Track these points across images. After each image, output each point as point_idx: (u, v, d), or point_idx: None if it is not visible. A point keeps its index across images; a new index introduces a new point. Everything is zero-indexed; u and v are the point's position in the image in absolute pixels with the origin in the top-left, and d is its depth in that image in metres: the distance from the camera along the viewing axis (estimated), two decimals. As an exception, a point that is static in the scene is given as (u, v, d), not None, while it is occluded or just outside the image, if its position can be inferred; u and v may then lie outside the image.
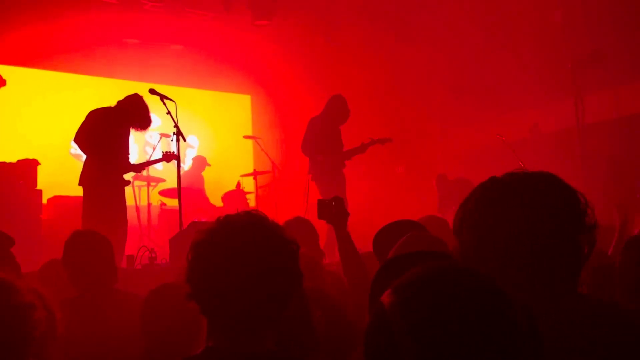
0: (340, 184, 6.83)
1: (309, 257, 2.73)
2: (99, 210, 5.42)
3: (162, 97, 5.65)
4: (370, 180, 8.93)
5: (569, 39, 8.22)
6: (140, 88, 6.06)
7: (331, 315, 2.15)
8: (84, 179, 5.61)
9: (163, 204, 8.27)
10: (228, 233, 1.55)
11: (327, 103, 7.04)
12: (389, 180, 9.59)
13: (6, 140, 8.18)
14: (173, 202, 7.89)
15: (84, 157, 5.70)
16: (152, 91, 5.68)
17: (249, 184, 8.91)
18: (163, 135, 7.97)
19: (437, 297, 0.92)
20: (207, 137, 10.14)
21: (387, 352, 0.93)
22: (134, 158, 8.23)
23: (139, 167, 6.20)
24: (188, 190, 7.78)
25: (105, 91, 8.04)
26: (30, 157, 6.59)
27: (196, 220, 6.09)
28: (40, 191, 6.52)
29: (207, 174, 9.13)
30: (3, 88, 6.74)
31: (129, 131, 5.90)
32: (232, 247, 1.53)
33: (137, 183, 7.88)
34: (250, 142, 9.81)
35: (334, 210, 3.09)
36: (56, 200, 7.01)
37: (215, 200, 8.77)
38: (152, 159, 6.43)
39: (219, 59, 9.84)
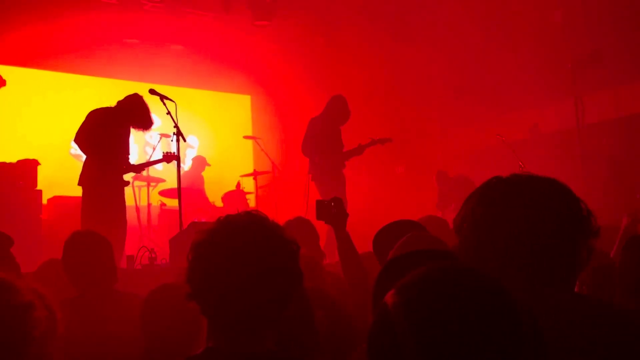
0: (340, 184, 6.82)
1: (309, 257, 2.74)
2: (98, 211, 5.41)
3: (162, 98, 5.65)
4: (370, 180, 8.93)
5: (569, 39, 8.21)
6: (140, 88, 6.05)
7: (331, 315, 2.16)
8: (84, 179, 5.60)
9: (163, 204, 8.27)
10: (228, 233, 1.55)
11: (328, 103, 7.03)
12: (389, 180, 9.58)
13: (6, 140, 8.17)
14: (173, 202, 7.89)
15: (84, 157, 5.69)
16: (152, 91, 5.67)
17: (249, 184, 8.91)
18: (163, 135, 7.96)
19: (441, 298, 0.92)
20: (207, 137, 10.13)
21: (390, 352, 0.93)
22: (134, 158, 8.23)
23: (139, 168, 6.19)
24: (188, 191, 7.78)
25: (105, 91, 8.03)
26: (30, 157, 6.58)
27: (196, 221, 6.10)
28: (40, 191, 6.51)
29: (207, 174, 9.13)
30: (3, 88, 6.73)
31: (129, 131, 5.89)
32: (232, 247, 1.53)
33: (137, 183, 7.87)
34: (250, 142, 9.80)
35: (333, 210, 3.09)
36: (56, 200, 7.00)
37: (215, 200, 8.77)
38: (152, 159, 6.43)
39: (219, 59, 9.82)
